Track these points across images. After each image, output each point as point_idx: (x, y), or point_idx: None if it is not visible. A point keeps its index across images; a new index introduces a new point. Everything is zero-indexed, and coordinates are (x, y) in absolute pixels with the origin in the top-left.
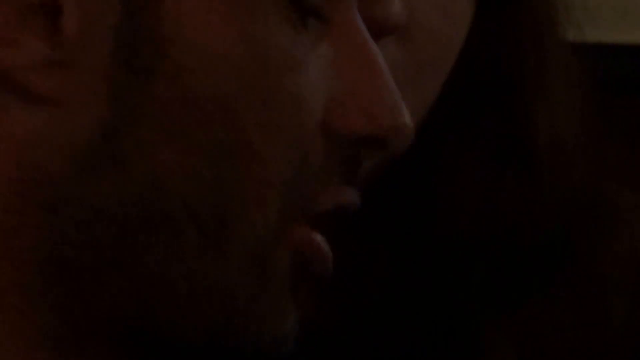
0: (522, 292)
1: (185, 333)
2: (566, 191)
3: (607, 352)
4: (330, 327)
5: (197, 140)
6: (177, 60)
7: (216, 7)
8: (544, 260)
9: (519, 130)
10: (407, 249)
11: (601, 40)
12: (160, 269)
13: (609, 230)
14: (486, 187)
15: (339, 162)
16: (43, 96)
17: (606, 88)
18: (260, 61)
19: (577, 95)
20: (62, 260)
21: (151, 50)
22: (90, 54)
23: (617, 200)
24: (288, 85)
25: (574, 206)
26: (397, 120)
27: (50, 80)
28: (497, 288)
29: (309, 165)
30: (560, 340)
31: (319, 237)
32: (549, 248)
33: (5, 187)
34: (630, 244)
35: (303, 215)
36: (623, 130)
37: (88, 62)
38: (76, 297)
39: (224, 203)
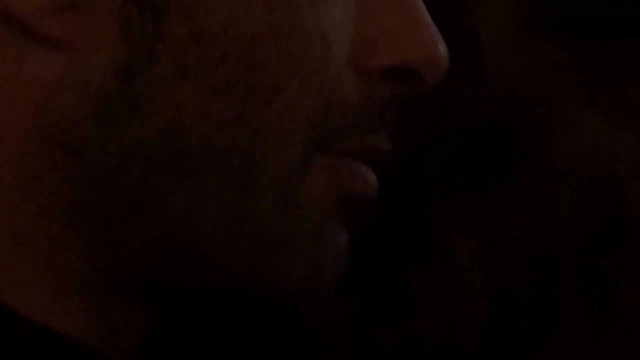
0: (473, 182)
1: (214, 278)
2: (511, 84)
3: (557, 243)
4: None
5: (214, 79)
6: None
7: None
8: (494, 151)
9: (460, 25)
10: None
11: None
12: (184, 213)
13: (558, 126)
14: None
15: (370, 106)
16: (57, 40)
17: None
18: None
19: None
20: (89, 205)
21: None
22: None
23: (566, 103)
24: (310, 21)
25: (521, 101)
26: (430, 51)
27: (61, 24)
28: (450, 177)
29: (336, 102)
30: (514, 229)
31: (346, 162)
32: (499, 139)
33: (28, 131)
34: (578, 140)
35: (330, 149)
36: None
37: (98, 4)
38: (103, 243)
39: (245, 140)
